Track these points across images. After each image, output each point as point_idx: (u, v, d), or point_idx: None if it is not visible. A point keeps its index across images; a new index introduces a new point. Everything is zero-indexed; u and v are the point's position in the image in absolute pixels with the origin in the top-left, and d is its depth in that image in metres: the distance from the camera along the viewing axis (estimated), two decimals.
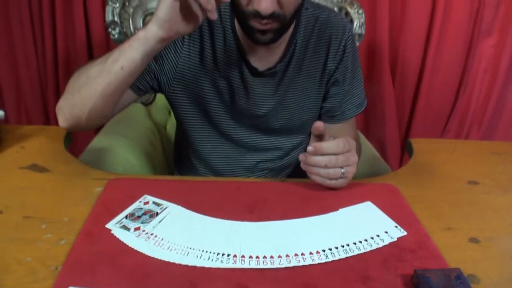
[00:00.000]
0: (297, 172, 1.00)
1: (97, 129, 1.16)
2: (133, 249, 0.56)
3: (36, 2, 1.79)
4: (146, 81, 0.84)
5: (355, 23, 1.27)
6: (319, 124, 0.70)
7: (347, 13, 1.28)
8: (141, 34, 0.66)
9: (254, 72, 0.85)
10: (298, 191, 0.73)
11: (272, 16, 0.70)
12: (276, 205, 0.68)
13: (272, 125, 0.93)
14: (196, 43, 0.84)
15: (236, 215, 0.64)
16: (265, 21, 0.71)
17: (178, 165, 1.10)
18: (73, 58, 1.81)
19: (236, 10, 0.74)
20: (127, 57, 0.67)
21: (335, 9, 1.29)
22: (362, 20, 1.28)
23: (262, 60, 0.85)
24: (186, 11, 0.64)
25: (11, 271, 0.52)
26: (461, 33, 1.81)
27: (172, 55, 0.84)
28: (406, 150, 0.99)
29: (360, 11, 1.28)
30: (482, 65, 1.86)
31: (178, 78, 0.86)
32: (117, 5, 1.21)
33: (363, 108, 0.98)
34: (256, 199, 0.69)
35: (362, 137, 1.22)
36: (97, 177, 0.74)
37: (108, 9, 1.21)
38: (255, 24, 0.72)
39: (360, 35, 1.28)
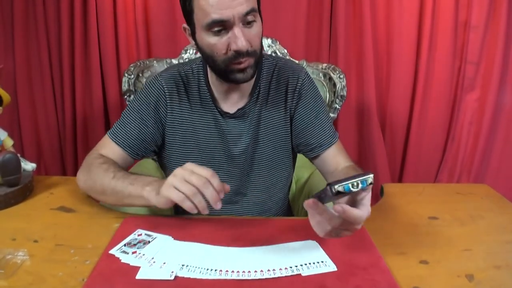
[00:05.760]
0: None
1: None
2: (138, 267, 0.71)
3: (57, 70, 2.04)
4: (147, 149, 1.01)
5: (337, 86, 1.46)
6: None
7: (330, 78, 1.47)
8: (145, 193, 0.81)
9: (226, 115, 1.01)
10: (281, 225, 0.87)
11: (247, 53, 0.87)
12: (256, 236, 0.82)
13: (250, 163, 1.04)
14: (175, 102, 1.00)
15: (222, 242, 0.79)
16: (243, 59, 0.87)
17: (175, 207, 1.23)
18: (90, 122, 2.05)
19: (215, 62, 0.90)
20: (131, 202, 0.85)
21: (320, 74, 1.49)
22: (344, 83, 1.46)
23: (232, 104, 1.01)
24: None
25: (47, 282, 0.67)
26: (445, 89, 1.95)
27: (160, 120, 1.01)
28: (379, 195, 1.09)
29: (342, 76, 1.47)
30: (467, 118, 1.99)
31: (168, 136, 1.02)
32: (132, 76, 1.43)
33: (337, 138, 1.05)
34: (241, 231, 0.84)
35: None
36: (115, 216, 0.90)
37: (125, 79, 1.43)
38: (235, 66, 0.88)
39: (342, 96, 1.46)
